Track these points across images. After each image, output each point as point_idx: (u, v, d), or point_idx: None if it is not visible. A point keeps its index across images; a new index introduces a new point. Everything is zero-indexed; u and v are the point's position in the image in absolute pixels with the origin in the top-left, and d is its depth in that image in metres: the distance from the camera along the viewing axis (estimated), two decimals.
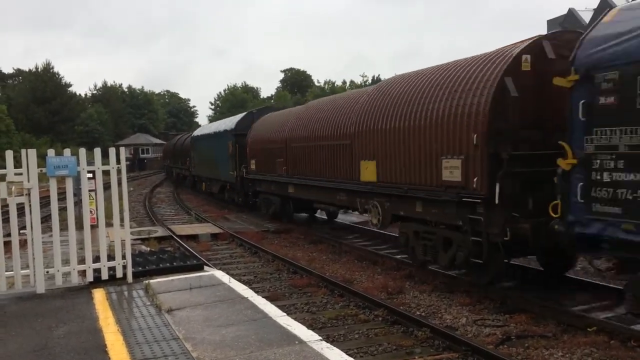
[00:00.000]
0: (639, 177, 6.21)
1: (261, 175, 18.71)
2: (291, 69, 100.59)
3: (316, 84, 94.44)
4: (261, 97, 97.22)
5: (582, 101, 6.76)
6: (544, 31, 35.96)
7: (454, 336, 6.78)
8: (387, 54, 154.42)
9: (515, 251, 8.60)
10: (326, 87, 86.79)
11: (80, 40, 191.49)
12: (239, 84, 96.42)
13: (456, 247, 9.06)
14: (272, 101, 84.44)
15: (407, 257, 10.99)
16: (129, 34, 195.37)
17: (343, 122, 12.83)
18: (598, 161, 6.66)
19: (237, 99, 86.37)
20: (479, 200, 8.34)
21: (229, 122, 23.65)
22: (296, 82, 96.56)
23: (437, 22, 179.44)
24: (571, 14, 46.87)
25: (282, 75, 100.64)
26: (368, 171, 11.57)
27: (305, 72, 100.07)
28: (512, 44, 8.79)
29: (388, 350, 6.71)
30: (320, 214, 18.30)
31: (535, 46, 8.33)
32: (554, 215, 7.22)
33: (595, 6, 43.57)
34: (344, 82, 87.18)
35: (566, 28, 42.10)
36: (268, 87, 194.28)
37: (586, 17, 44.07)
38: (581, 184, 6.85)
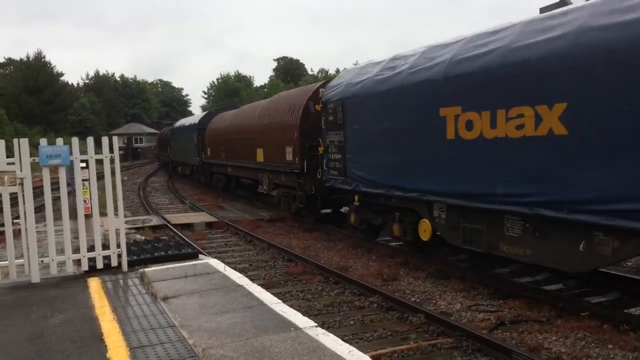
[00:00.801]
0: (339, 157, 12.39)
1: (213, 160, 25.02)
2: (284, 58, 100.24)
3: (309, 72, 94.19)
4: (254, 85, 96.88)
5: (323, 118, 13.04)
6: None
7: (449, 321, 6.83)
8: (381, 43, 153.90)
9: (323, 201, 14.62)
10: (320, 75, 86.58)
11: (73, 31, 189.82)
12: (232, 73, 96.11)
13: (297, 200, 15.20)
14: (265, 90, 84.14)
15: (401, 244, 11.42)
16: (122, 24, 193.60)
17: (251, 122, 19.17)
18: (330, 148, 12.83)
19: (230, 88, 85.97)
20: (298, 171, 14.62)
21: (195, 118, 30.28)
22: (289, 71, 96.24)
23: (432, 11, 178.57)
24: (563, 3, 46.78)
25: (275, 64, 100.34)
26: (259, 155, 17.88)
27: (299, 60, 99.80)
28: (312, 84, 16.45)
29: (383, 336, 6.75)
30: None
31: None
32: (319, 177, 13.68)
33: None
34: (338, 71, 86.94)
35: None
36: (261, 76, 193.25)
37: (578, 3, 43.99)
38: (325, 160, 13.15)
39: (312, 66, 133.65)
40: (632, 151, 5.94)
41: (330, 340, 4.64)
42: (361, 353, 4.41)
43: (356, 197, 12.08)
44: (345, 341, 4.78)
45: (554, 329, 6.69)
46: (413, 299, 8.19)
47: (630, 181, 5.97)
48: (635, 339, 6.16)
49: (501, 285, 8.48)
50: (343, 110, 11.98)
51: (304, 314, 5.88)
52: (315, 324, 5.07)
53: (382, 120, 10.46)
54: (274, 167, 16.43)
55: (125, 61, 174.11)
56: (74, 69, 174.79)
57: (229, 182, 24.23)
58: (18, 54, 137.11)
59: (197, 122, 27.78)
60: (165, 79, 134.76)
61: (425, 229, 9.80)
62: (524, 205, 7.27)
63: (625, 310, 7.00)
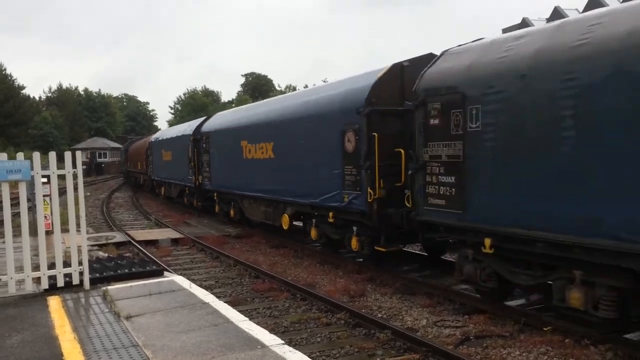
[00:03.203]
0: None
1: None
2: (252, 74, 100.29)
3: (277, 88, 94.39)
4: (222, 101, 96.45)
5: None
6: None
7: (415, 337, 6.87)
8: (350, 60, 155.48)
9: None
10: (287, 91, 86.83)
11: (40, 45, 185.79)
12: (199, 88, 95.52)
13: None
14: (233, 105, 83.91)
15: (366, 261, 11.45)
16: (86, 39, 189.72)
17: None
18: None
19: (197, 103, 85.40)
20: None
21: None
22: (257, 87, 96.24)
23: (399, 29, 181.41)
24: (525, 24, 48.27)
25: (243, 80, 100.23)
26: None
27: (267, 76, 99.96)
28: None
29: (350, 353, 6.74)
30: None
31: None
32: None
33: (548, 15, 45.03)
34: (306, 86, 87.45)
35: None
36: (229, 91, 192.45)
37: (539, 26, 45.44)
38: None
39: (280, 81, 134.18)
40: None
41: (297, 358, 4.62)
42: None
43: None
44: (313, 359, 4.77)
45: (518, 343, 6.79)
46: (380, 315, 8.21)
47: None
48: (596, 353, 6.31)
49: (465, 300, 8.59)
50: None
51: (271, 331, 5.85)
52: (282, 342, 5.04)
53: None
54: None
55: (91, 75, 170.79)
56: (40, 82, 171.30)
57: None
58: None
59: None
60: (131, 93, 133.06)
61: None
62: None
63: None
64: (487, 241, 7.36)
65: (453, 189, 7.85)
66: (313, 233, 12.43)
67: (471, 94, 7.43)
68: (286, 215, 13.35)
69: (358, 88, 10.48)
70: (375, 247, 10.24)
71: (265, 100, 17.91)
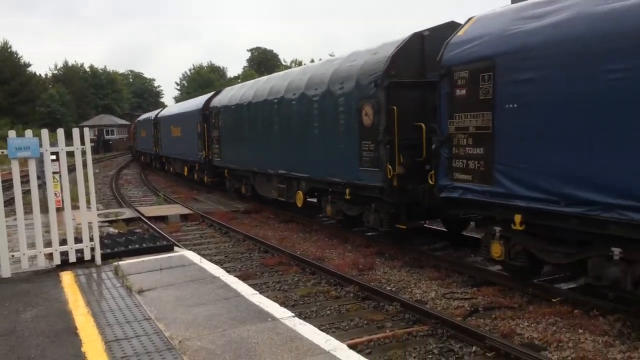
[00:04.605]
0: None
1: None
2: (258, 48, 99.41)
3: (283, 63, 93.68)
4: (228, 76, 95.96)
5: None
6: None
7: (424, 309, 6.92)
8: (358, 34, 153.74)
9: None
10: (293, 66, 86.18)
11: (47, 23, 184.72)
12: (205, 64, 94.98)
13: None
14: (239, 81, 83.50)
15: (377, 234, 11.45)
16: (95, 16, 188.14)
17: None
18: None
19: (203, 79, 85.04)
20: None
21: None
22: (263, 61, 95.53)
23: (408, 4, 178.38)
24: None
25: (248, 55, 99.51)
26: None
27: (272, 51, 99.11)
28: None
29: (360, 325, 6.81)
30: None
31: None
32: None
33: None
34: (312, 61, 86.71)
35: None
36: (235, 67, 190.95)
37: None
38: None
39: (286, 57, 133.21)
40: None
41: (307, 330, 4.66)
42: (338, 342, 4.44)
43: None
44: (322, 331, 4.81)
45: (526, 315, 6.83)
46: (389, 288, 8.26)
47: None
48: (605, 324, 6.33)
49: (474, 273, 8.62)
50: None
51: (281, 304, 5.91)
52: (293, 314, 5.09)
53: None
54: None
55: (98, 52, 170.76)
56: (47, 61, 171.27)
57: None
58: None
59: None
60: (136, 69, 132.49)
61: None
62: None
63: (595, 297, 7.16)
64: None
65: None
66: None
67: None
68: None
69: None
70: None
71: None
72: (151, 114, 35.95)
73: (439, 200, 8.46)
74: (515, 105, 6.93)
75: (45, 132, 6.94)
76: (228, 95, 18.75)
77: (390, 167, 9.45)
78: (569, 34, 6.24)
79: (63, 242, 7.18)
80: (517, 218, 7.08)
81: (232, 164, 17.94)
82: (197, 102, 23.23)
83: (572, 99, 6.22)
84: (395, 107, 9.36)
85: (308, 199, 13.30)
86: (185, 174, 24.71)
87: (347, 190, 11.00)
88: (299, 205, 13.32)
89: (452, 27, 9.02)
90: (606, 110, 5.86)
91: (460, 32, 8.04)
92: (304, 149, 12.71)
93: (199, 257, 7.52)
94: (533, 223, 7.01)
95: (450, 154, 8.06)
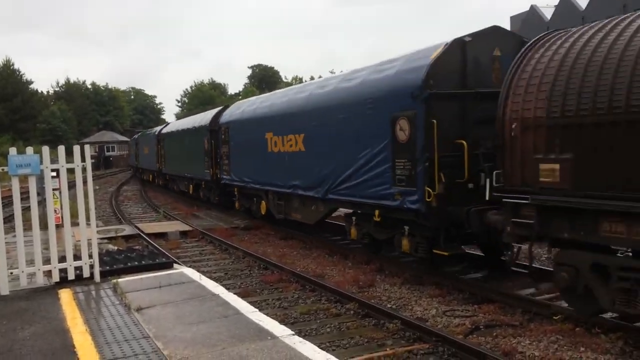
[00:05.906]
0: None
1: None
2: (259, 65, 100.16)
3: (284, 80, 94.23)
4: (229, 93, 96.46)
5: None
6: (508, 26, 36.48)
7: (425, 327, 6.87)
8: (358, 52, 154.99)
9: None
10: (294, 83, 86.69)
11: (52, 41, 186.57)
12: (206, 81, 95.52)
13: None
14: (240, 97, 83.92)
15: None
16: (100, 35, 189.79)
17: None
18: None
19: (204, 96, 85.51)
20: None
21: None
22: (264, 78, 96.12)
23: (407, 21, 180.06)
24: (533, 10, 47.82)
25: (249, 72, 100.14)
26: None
27: (273, 68, 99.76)
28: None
29: (360, 343, 6.76)
30: None
31: None
32: None
33: (556, 2, 44.56)
34: (312, 78, 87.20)
35: (528, 24, 42.92)
36: (236, 84, 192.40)
37: (548, 13, 44.98)
38: None
39: (287, 74, 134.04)
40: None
41: (307, 349, 4.63)
42: None
43: None
44: (322, 349, 4.78)
45: (528, 332, 6.78)
46: (389, 306, 8.21)
47: None
48: (606, 342, 6.29)
49: (475, 290, 8.57)
50: None
51: (281, 322, 5.86)
52: (292, 332, 5.06)
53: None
54: None
55: (100, 70, 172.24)
56: (49, 78, 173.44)
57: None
58: None
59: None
60: (137, 86, 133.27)
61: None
62: None
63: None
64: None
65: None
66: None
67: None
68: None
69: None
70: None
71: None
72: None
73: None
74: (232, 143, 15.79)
75: (45, 149, 6.95)
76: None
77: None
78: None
79: (62, 259, 7.15)
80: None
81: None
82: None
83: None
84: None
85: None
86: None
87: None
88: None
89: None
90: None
91: (226, 112, 18.69)
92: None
93: (198, 274, 7.49)
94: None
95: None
